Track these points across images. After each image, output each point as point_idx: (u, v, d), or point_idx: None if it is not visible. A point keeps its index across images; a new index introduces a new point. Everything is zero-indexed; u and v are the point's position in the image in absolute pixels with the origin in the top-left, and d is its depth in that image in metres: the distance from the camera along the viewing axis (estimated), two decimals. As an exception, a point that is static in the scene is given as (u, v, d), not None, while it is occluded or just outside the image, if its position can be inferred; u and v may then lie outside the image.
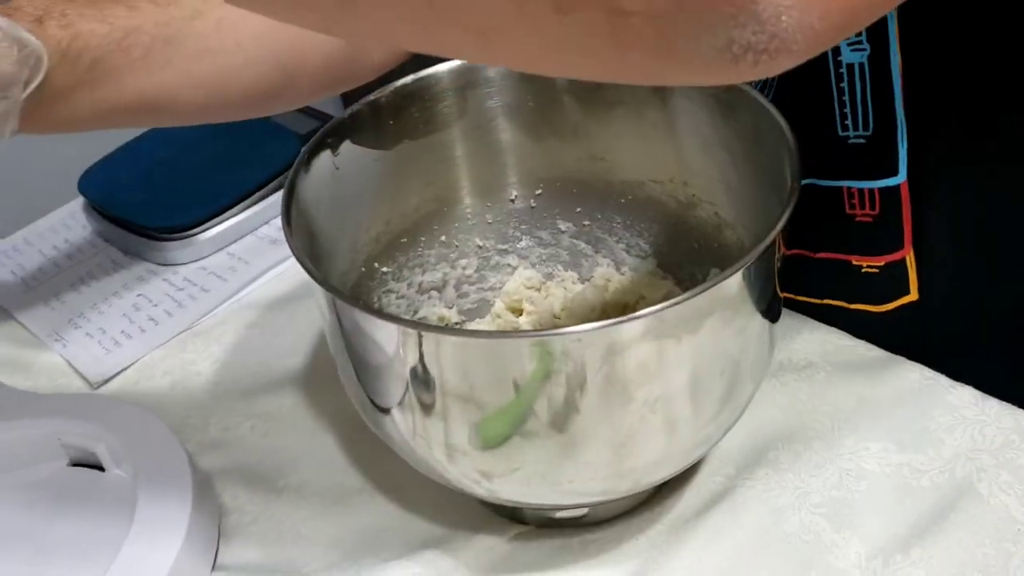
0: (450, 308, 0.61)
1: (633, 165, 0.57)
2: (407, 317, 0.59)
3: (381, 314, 0.40)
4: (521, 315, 0.60)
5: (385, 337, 0.42)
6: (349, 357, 0.46)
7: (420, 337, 0.40)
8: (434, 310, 0.60)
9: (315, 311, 0.66)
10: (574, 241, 0.61)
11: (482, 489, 0.46)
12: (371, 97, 0.53)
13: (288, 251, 0.73)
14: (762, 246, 0.40)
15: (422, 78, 0.54)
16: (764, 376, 0.48)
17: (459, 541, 0.51)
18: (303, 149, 0.50)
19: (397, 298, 0.59)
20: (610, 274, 0.60)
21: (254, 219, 0.75)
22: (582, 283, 0.61)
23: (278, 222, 0.76)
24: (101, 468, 0.56)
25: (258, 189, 0.75)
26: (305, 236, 0.48)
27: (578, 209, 0.60)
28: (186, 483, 0.52)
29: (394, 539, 0.52)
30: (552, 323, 0.58)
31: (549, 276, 0.61)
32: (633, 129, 0.56)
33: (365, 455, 0.57)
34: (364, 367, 0.45)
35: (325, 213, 0.51)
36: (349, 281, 0.55)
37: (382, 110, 0.53)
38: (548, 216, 0.61)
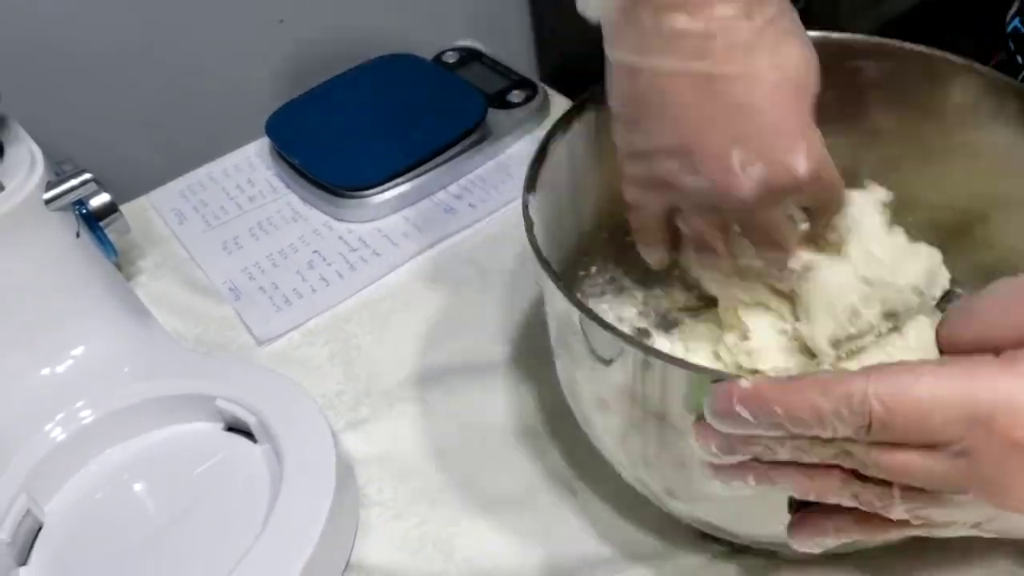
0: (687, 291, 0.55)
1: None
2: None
3: (625, 336, 0.38)
4: None
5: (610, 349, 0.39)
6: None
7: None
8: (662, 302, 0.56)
9: (478, 294, 0.64)
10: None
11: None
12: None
13: (459, 224, 0.70)
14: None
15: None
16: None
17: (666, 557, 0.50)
18: (563, 114, 0.48)
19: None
20: None
21: (432, 183, 0.72)
22: None
23: (455, 189, 0.73)
24: (254, 438, 0.56)
25: (441, 151, 0.72)
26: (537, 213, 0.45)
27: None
28: (329, 473, 0.51)
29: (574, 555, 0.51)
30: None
31: None
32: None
33: (525, 460, 0.55)
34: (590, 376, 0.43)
35: (563, 187, 0.49)
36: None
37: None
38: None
